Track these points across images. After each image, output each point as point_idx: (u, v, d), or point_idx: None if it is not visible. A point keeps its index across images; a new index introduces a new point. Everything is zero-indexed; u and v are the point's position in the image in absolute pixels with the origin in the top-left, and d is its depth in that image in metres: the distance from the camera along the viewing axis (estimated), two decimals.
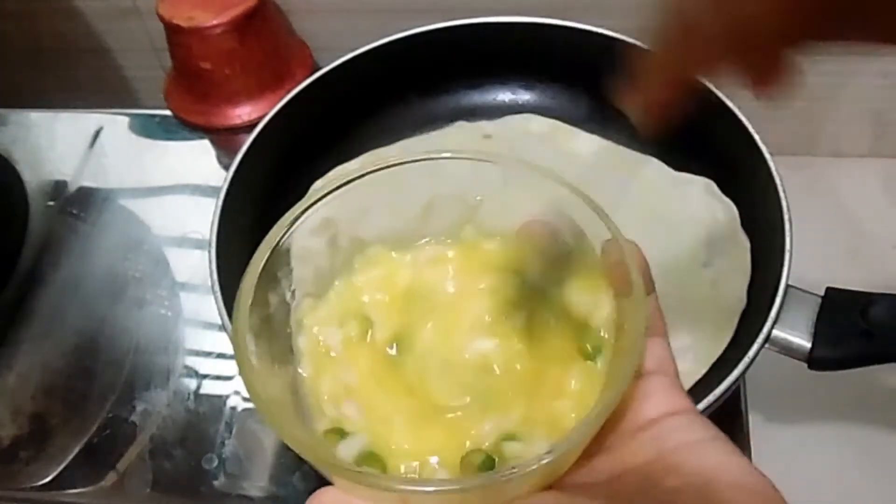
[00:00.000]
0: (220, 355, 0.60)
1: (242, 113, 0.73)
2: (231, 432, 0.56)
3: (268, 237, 0.30)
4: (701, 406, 0.42)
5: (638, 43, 0.55)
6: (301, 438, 0.27)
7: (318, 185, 0.59)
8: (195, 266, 0.65)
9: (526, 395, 0.29)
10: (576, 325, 0.31)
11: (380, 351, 0.31)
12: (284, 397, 0.30)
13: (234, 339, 0.28)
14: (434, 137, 0.62)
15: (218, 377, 0.59)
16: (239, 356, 0.28)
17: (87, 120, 0.77)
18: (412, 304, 0.32)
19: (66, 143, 0.76)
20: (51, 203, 0.71)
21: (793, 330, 0.46)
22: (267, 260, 0.30)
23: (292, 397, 0.30)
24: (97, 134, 0.76)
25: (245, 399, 0.57)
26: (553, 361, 0.30)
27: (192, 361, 0.60)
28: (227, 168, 0.54)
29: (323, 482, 0.28)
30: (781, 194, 0.49)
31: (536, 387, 0.29)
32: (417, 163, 0.31)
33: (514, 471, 0.24)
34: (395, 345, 0.31)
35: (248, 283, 0.29)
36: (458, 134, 0.62)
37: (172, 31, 0.70)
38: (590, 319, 0.30)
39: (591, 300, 0.30)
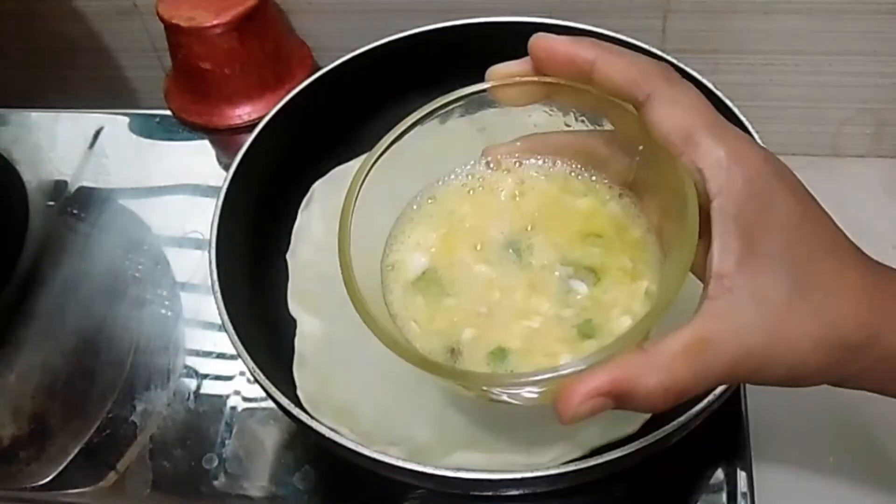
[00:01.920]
0: (220, 355, 0.60)
1: (242, 113, 0.73)
2: (231, 432, 0.56)
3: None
4: (701, 406, 0.42)
5: (637, 43, 0.55)
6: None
7: (318, 186, 0.59)
8: (195, 266, 0.65)
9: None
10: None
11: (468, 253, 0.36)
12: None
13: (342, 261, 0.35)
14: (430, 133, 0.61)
15: (218, 377, 0.59)
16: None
17: (87, 120, 0.77)
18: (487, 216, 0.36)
19: (66, 143, 0.76)
20: (51, 203, 0.71)
21: None
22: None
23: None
24: (97, 134, 0.76)
25: (245, 399, 0.57)
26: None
27: (192, 361, 0.60)
28: (227, 168, 0.54)
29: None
30: None
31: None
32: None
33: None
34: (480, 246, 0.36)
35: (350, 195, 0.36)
36: (454, 130, 0.62)
37: (172, 31, 0.70)
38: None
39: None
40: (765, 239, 0.30)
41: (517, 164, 0.39)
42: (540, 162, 0.38)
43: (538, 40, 0.35)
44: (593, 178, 0.37)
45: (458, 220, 0.38)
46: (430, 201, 0.39)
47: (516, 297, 0.35)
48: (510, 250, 0.36)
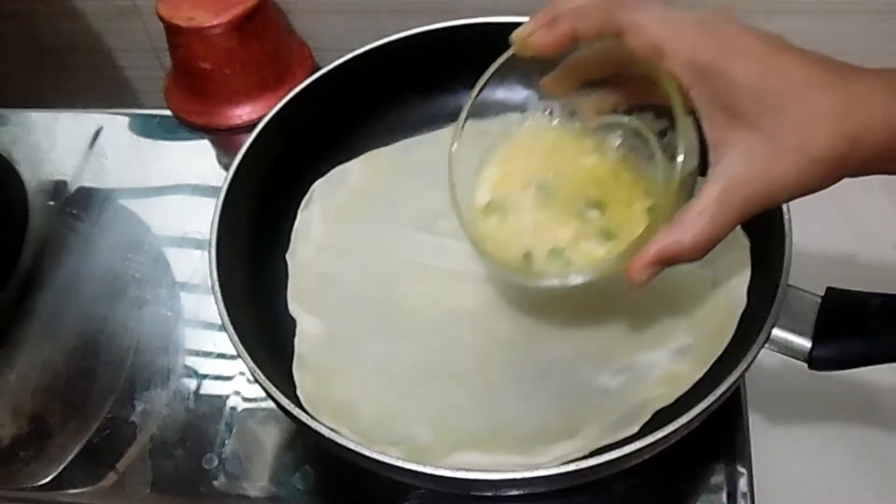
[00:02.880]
0: (220, 355, 0.60)
1: (242, 113, 0.73)
2: (231, 432, 0.56)
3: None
4: (701, 406, 0.42)
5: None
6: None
7: (318, 186, 0.59)
8: (195, 266, 0.65)
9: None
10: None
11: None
12: None
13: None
14: (434, 137, 0.62)
15: (218, 377, 0.59)
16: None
17: (87, 120, 0.77)
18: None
19: (66, 143, 0.76)
20: (51, 203, 0.71)
21: (793, 330, 0.46)
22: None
23: None
24: (97, 134, 0.76)
25: (245, 399, 0.57)
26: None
27: (192, 361, 0.60)
28: (227, 168, 0.54)
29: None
30: None
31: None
32: None
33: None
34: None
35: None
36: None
37: (172, 31, 0.70)
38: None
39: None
40: (740, 102, 0.36)
41: (552, 121, 0.49)
42: (572, 123, 0.49)
43: (528, 42, 0.43)
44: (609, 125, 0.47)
45: (511, 166, 0.49)
46: (493, 153, 0.50)
47: (553, 218, 0.47)
48: (543, 189, 0.48)
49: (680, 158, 0.39)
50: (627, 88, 0.46)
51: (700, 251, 0.38)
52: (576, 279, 0.44)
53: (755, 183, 0.37)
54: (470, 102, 0.48)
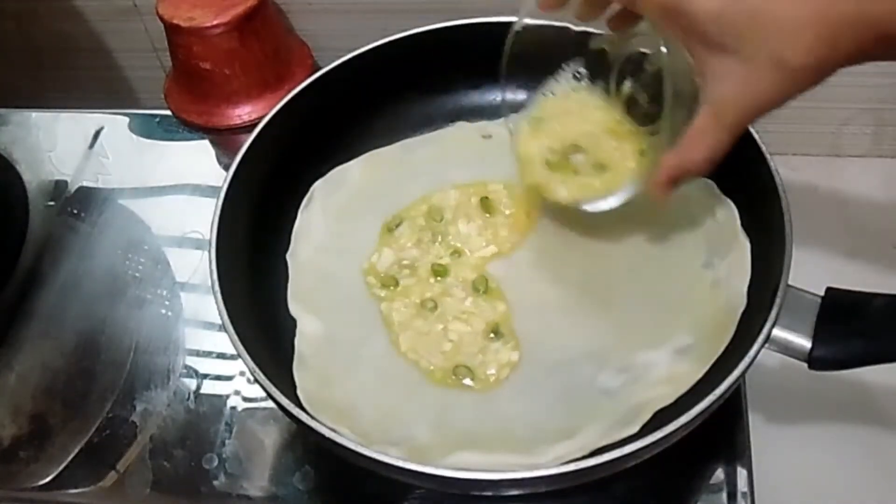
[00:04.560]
0: (220, 355, 0.60)
1: (242, 113, 0.73)
2: (231, 432, 0.56)
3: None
4: (701, 406, 0.42)
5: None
6: None
7: (318, 186, 0.59)
8: (195, 266, 0.65)
9: None
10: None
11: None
12: None
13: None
14: (434, 137, 0.62)
15: (218, 377, 0.59)
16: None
17: (87, 120, 0.77)
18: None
19: (66, 143, 0.76)
20: (51, 203, 0.71)
21: (793, 330, 0.46)
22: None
23: None
24: (97, 134, 0.76)
25: (245, 399, 0.57)
26: None
27: (192, 361, 0.60)
28: (227, 168, 0.54)
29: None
30: (781, 194, 0.49)
31: None
32: None
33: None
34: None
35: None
36: (458, 134, 0.62)
37: (172, 31, 0.70)
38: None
39: None
40: (710, 31, 0.38)
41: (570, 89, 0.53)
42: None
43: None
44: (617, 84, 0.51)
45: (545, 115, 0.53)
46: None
47: None
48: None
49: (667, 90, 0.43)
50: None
51: (708, 164, 0.43)
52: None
53: (742, 100, 0.40)
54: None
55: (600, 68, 0.52)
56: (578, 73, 0.53)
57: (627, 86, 0.50)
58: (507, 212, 0.56)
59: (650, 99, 0.49)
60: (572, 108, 0.53)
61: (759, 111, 0.40)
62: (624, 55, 0.50)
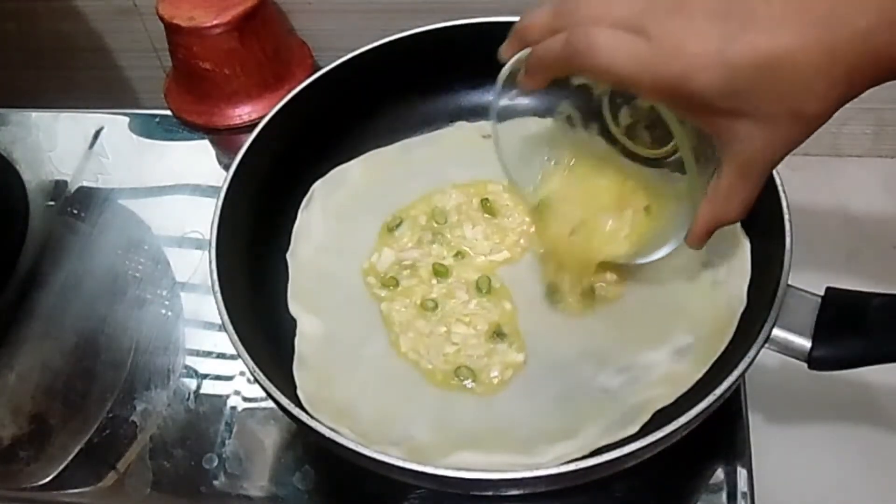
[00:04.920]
0: (220, 355, 0.60)
1: (242, 113, 0.73)
2: (231, 432, 0.56)
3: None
4: (701, 406, 0.42)
5: None
6: None
7: (318, 186, 0.59)
8: (195, 266, 0.65)
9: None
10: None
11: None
12: None
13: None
14: (434, 137, 0.62)
15: (218, 377, 0.59)
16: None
17: (87, 120, 0.77)
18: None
19: (66, 143, 0.76)
20: (51, 203, 0.71)
21: (793, 330, 0.46)
22: None
23: None
24: (97, 134, 0.76)
25: (245, 399, 0.57)
26: None
27: (192, 361, 0.60)
28: (227, 168, 0.54)
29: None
30: (781, 194, 0.49)
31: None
32: None
33: None
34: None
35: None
36: (457, 134, 0.62)
37: (172, 31, 0.70)
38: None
39: None
40: (719, 103, 0.37)
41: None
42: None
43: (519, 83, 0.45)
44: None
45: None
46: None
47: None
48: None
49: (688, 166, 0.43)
50: None
51: (743, 214, 0.43)
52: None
53: (766, 156, 0.39)
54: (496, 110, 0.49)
55: (591, 104, 0.50)
56: (570, 118, 0.50)
57: (625, 114, 0.48)
58: (513, 222, 0.56)
59: (649, 124, 0.48)
60: (575, 180, 0.51)
61: (783, 158, 0.40)
62: (608, 89, 0.48)
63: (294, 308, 0.53)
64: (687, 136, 0.42)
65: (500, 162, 0.51)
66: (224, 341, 0.47)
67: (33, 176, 0.73)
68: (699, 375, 0.47)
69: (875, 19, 0.34)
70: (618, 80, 0.39)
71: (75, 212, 0.71)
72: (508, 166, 0.51)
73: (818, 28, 0.35)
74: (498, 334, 0.51)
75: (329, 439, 0.43)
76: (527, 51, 0.43)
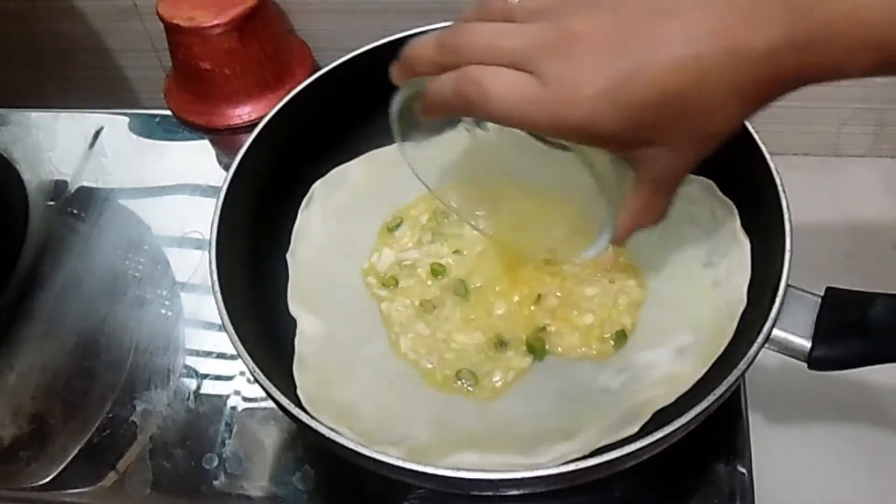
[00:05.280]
0: (220, 355, 0.60)
1: (242, 113, 0.73)
2: (231, 432, 0.56)
3: None
4: (701, 406, 0.42)
5: None
6: None
7: (318, 186, 0.59)
8: (195, 266, 0.65)
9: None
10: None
11: None
12: None
13: None
14: (434, 137, 0.62)
15: (218, 377, 0.59)
16: None
17: (87, 120, 0.77)
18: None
19: (66, 143, 0.76)
20: (51, 203, 0.71)
21: (793, 330, 0.46)
22: None
23: None
24: (97, 134, 0.76)
25: (245, 399, 0.57)
26: None
27: (192, 361, 0.60)
28: (227, 168, 0.54)
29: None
30: (781, 194, 0.49)
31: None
32: None
33: None
34: None
35: None
36: (457, 134, 0.62)
37: (172, 31, 0.70)
38: None
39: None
40: (622, 140, 0.37)
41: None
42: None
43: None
44: None
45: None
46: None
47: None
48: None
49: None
50: None
51: (661, 220, 0.43)
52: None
53: (677, 171, 0.40)
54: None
55: None
56: (468, 126, 0.49)
57: None
58: None
59: None
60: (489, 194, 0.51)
61: (694, 168, 0.40)
62: None
63: (294, 308, 0.53)
64: (594, 158, 0.41)
65: (416, 176, 0.50)
66: (224, 341, 0.47)
67: (33, 176, 0.73)
68: (699, 375, 0.47)
69: (781, 39, 0.34)
70: (517, 125, 0.37)
71: (75, 212, 0.71)
72: (427, 181, 0.51)
73: (724, 53, 0.34)
74: (500, 343, 0.51)
75: (329, 439, 0.43)
76: (416, 81, 0.43)
